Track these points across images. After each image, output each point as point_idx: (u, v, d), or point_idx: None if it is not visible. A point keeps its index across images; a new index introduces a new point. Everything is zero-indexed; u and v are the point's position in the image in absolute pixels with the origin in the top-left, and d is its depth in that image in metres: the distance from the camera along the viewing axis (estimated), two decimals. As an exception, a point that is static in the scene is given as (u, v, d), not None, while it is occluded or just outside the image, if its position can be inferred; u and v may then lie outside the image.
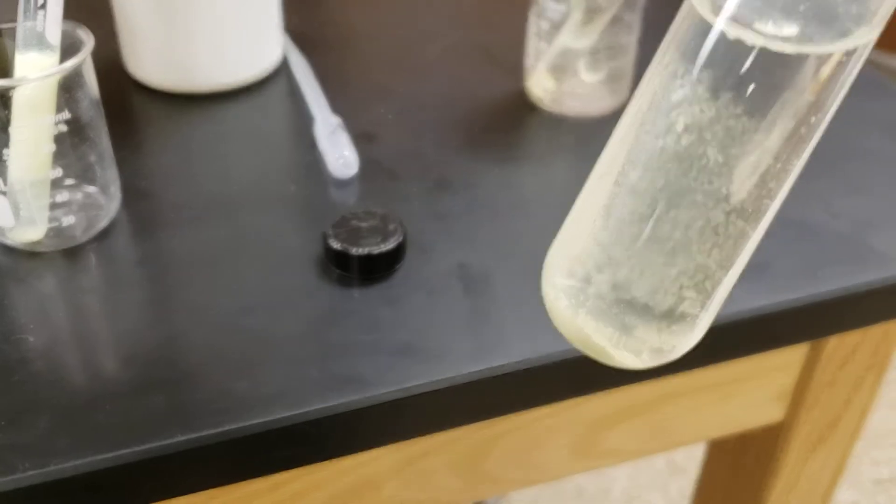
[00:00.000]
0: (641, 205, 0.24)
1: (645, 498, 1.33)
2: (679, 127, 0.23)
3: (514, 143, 0.59)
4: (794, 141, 0.24)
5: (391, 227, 0.48)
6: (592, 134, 0.60)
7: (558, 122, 0.61)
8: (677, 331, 0.25)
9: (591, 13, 0.57)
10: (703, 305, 0.25)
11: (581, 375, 0.45)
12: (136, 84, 0.64)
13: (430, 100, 0.63)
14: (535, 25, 0.60)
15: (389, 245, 0.47)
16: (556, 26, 0.58)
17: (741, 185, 0.24)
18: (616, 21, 0.58)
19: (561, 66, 0.60)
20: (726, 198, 0.24)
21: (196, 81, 0.62)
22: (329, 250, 0.47)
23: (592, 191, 0.26)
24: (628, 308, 0.25)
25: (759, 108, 0.23)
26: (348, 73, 0.66)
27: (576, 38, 0.58)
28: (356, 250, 0.47)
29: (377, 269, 0.47)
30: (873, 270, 0.49)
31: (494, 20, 0.74)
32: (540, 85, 0.61)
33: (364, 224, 0.48)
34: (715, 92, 0.23)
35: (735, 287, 0.47)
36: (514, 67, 0.65)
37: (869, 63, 0.68)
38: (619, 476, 1.35)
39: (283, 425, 0.40)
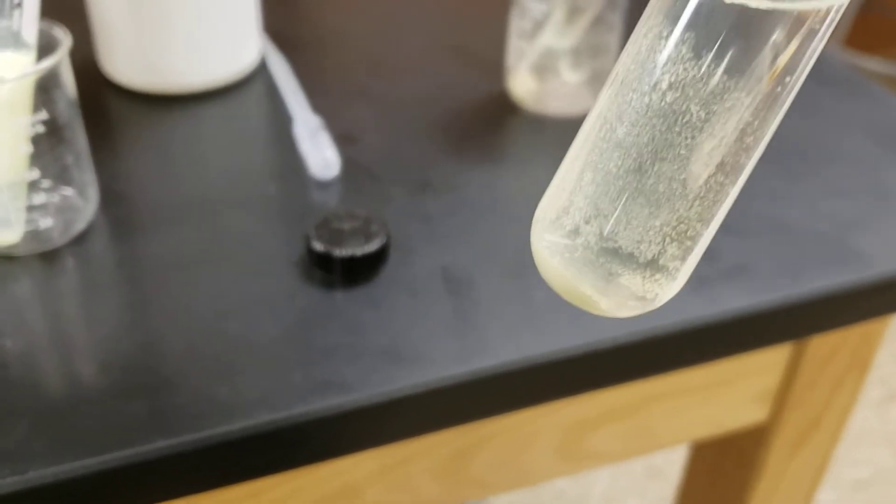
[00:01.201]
0: (628, 159, 0.26)
1: (624, 501, 1.33)
2: (664, 85, 0.25)
3: (496, 143, 0.59)
4: (770, 99, 0.25)
5: (374, 228, 0.48)
6: (574, 134, 0.59)
7: (540, 123, 0.61)
8: (660, 280, 0.27)
9: (574, 13, 0.57)
10: (683, 257, 0.27)
11: (565, 377, 0.45)
12: (112, 85, 0.63)
13: (410, 100, 0.63)
14: (517, 25, 0.59)
15: (373, 247, 0.47)
16: (538, 26, 0.58)
17: (721, 140, 0.25)
18: (598, 21, 0.58)
19: (543, 66, 0.60)
20: (708, 152, 0.25)
21: (173, 82, 0.61)
22: (311, 252, 0.47)
23: (580, 148, 0.28)
24: (614, 257, 0.26)
25: (737, 66, 0.24)
26: (327, 73, 0.66)
27: (558, 37, 0.58)
28: (339, 252, 0.46)
29: (360, 270, 0.47)
30: (854, 271, 0.49)
31: (473, 19, 0.74)
32: (522, 85, 0.61)
33: (346, 225, 0.48)
34: (697, 51, 0.24)
35: (717, 287, 0.47)
36: (494, 67, 0.65)
37: (848, 65, 0.68)
38: (599, 479, 1.35)
39: (264, 430, 0.39)
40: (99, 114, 0.60)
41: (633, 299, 0.27)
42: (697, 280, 0.48)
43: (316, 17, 0.74)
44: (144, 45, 0.60)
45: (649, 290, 0.27)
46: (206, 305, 0.45)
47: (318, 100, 0.61)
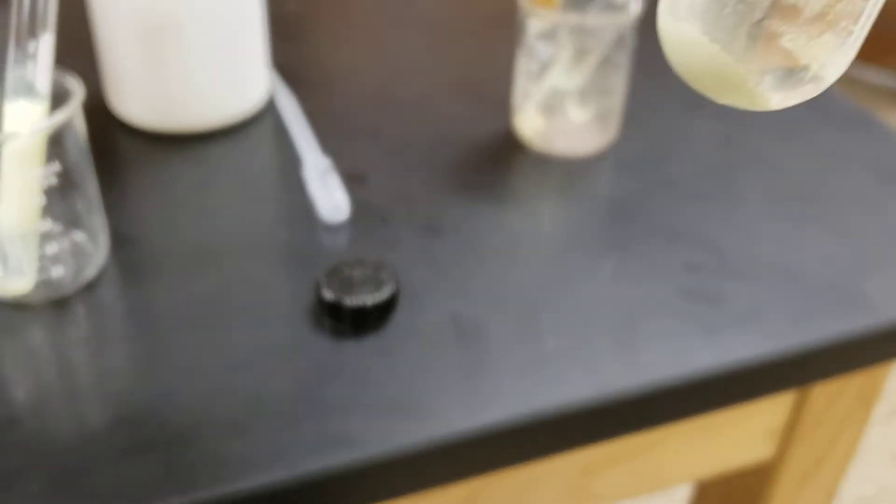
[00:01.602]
0: None
1: (628, 519, 1.33)
2: None
3: (503, 183, 0.59)
4: None
5: (384, 276, 0.48)
6: (580, 173, 0.60)
7: (546, 162, 0.61)
8: (829, 42, 0.23)
9: (580, 54, 0.57)
10: (856, 14, 0.23)
11: (576, 429, 0.45)
12: (120, 123, 0.63)
13: (417, 138, 0.63)
14: (524, 66, 0.60)
15: (383, 295, 0.47)
16: (545, 67, 0.58)
17: None
18: (606, 61, 0.58)
19: (549, 106, 0.60)
20: None
21: (183, 121, 0.62)
22: (322, 301, 0.47)
23: None
24: (772, 11, 0.22)
25: None
26: (334, 110, 0.66)
27: (565, 78, 0.58)
28: (349, 301, 0.46)
29: (370, 319, 0.47)
30: (861, 318, 0.49)
31: (478, 55, 0.74)
32: (529, 124, 0.61)
33: (356, 273, 0.48)
34: None
35: (726, 335, 0.47)
36: (500, 104, 0.65)
37: (851, 80, 0.67)
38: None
39: (278, 488, 0.39)
40: (108, 152, 0.60)
41: (796, 73, 0.23)
42: (705, 328, 0.48)
43: (324, 53, 0.75)
44: (153, 85, 0.60)
45: (816, 56, 0.23)
46: (217, 356, 0.45)
47: (327, 137, 0.61)
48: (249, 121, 0.64)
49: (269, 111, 0.65)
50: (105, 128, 0.62)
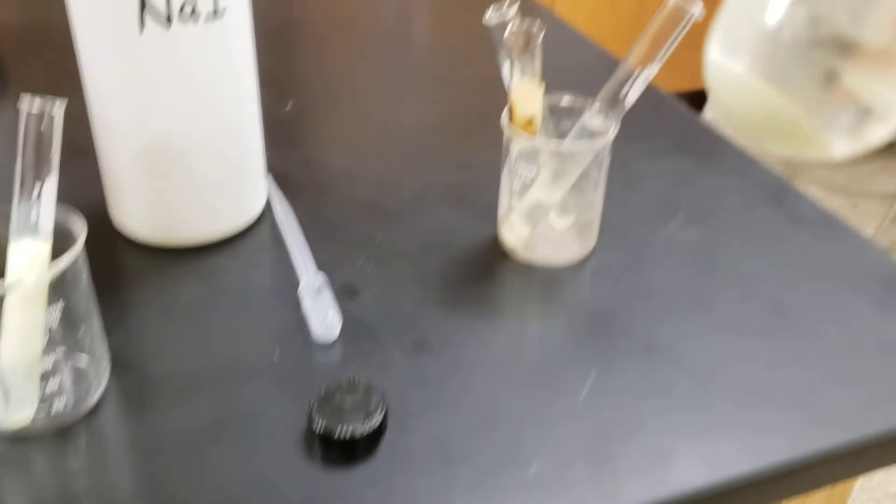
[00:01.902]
0: None
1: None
2: None
3: (489, 295, 0.62)
4: None
5: (373, 402, 0.50)
6: (562, 283, 0.63)
7: (529, 271, 0.63)
8: (893, 80, 0.20)
9: (560, 173, 0.60)
10: None
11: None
12: (121, 235, 0.65)
13: (407, 248, 0.66)
14: (508, 182, 0.62)
15: (373, 424, 0.49)
16: (528, 185, 0.61)
17: None
18: (584, 177, 0.61)
19: (532, 219, 0.62)
20: None
21: (182, 235, 0.64)
22: (313, 431, 0.49)
23: None
24: (832, 48, 0.21)
25: None
26: (327, 217, 0.69)
27: (546, 194, 0.61)
28: (340, 432, 0.49)
29: (360, 448, 0.49)
30: (824, 437, 0.51)
31: (465, 160, 0.77)
32: (513, 235, 0.64)
33: (347, 399, 0.50)
34: None
35: (697, 459, 0.49)
36: (487, 210, 0.68)
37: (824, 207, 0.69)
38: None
39: None
40: (108, 266, 0.63)
41: (860, 112, 0.21)
42: (677, 451, 0.50)
43: (317, 158, 0.77)
44: (153, 200, 0.63)
45: (881, 96, 0.21)
46: (214, 485, 0.47)
47: (321, 246, 0.64)
48: (248, 229, 0.66)
49: (266, 217, 0.68)
50: (107, 239, 0.65)
